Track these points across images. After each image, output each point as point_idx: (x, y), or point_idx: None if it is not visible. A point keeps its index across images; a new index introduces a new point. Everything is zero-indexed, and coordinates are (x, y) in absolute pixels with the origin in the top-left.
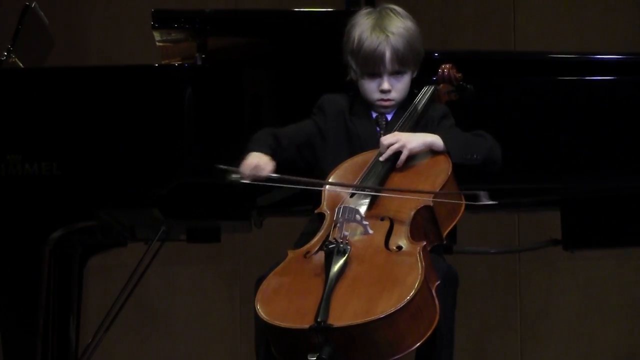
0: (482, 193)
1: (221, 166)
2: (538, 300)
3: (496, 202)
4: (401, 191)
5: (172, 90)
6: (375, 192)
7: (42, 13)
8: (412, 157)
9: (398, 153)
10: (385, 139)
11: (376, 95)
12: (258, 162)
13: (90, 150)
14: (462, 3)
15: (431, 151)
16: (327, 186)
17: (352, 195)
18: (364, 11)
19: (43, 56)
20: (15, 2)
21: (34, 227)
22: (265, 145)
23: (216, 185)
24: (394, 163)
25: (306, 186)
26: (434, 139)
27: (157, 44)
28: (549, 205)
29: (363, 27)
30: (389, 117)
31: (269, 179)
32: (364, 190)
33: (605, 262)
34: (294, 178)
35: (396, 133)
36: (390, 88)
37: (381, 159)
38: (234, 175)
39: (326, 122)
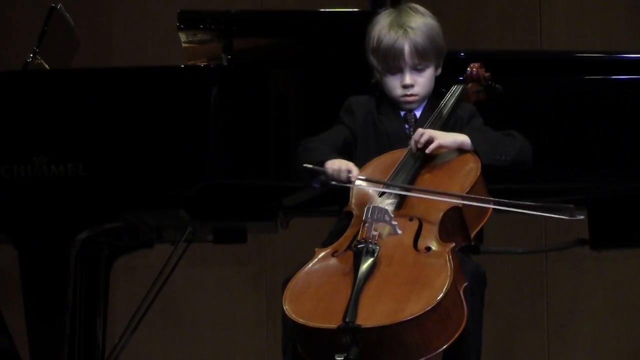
0: (571, 207)
1: (309, 165)
2: (565, 301)
3: (582, 218)
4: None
5: (198, 91)
6: (434, 194)
7: (68, 14)
8: (441, 156)
9: (428, 154)
10: (417, 133)
11: (399, 92)
12: (347, 166)
13: (116, 151)
14: (487, 3)
15: (460, 151)
16: (357, 183)
17: (380, 194)
18: (384, 11)
19: (69, 57)
20: (40, 3)
21: (60, 229)
22: (334, 154)
23: (242, 186)
24: (423, 163)
25: (391, 190)
26: (464, 139)
27: (183, 45)
28: (575, 205)
29: (382, 24)
30: (418, 114)
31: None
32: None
33: (632, 262)
34: (381, 181)
35: (428, 130)
36: (412, 83)
37: (413, 149)
38: (322, 177)
39: (355, 122)
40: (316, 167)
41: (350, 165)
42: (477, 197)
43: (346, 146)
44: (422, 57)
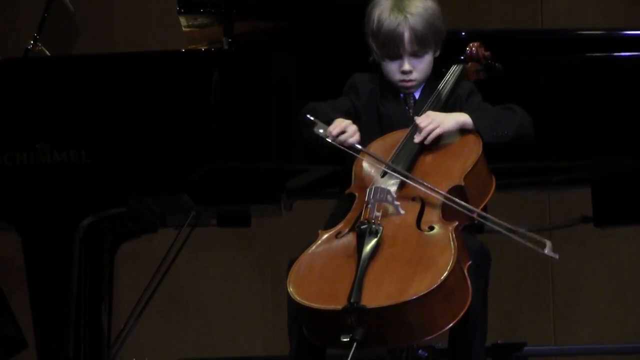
0: (547, 243)
1: (311, 117)
2: (570, 280)
3: (557, 257)
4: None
5: (200, 75)
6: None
7: (68, 1)
8: (443, 136)
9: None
10: (420, 121)
11: (398, 77)
12: (347, 128)
13: (118, 137)
14: None
15: (461, 131)
16: (364, 162)
17: (383, 175)
18: None
19: (70, 44)
20: None
21: (64, 215)
22: (343, 114)
23: (245, 170)
24: (424, 143)
25: (386, 168)
26: (466, 119)
27: (183, 29)
28: (579, 182)
29: (382, 8)
30: (417, 95)
31: (351, 148)
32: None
33: (636, 239)
34: (376, 156)
35: (430, 113)
36: (411, 69)
37: (416, 140)
38: (320, 130)
39: (360, 100)
40: (317, 121)
41: (347, 126)
42: (463, 204)
43: (348, 118)
44: (421, 44)
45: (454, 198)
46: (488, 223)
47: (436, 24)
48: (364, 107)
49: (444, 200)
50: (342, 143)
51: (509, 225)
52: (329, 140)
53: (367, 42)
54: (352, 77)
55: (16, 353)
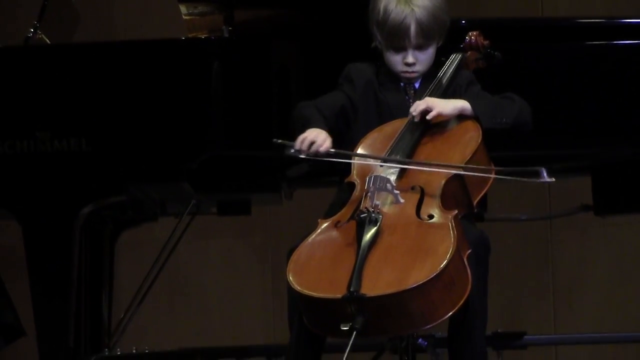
0: (542, 170)
1: (278, 140)
2: (570, 268)
3: (554, 180)
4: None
5: (200, 63)
6: (427, 167)
7: None
8: (442, 124)
9: (428, 122)
10: (415, 104)
11: (400, 68)
12: (316, 137)
13: (119, 125)
14: None
15: (460, 118)
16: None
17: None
18: None
19: (69, 32)
20: None
21: (64, 203)
22: (320, 120)
23: (246, 158)
24: (423, 132)
25: (365, 161)
26: (464, 104)
27: (184, 17)
28: (579, 171)
29: None
30: (417, 85)
31: (327, 155)
32: (426, 167)
33: (637, 227)
34: (351, 153)
35: (427, 98)
36: (414, 61)
37: (416, 119)
38: (292, 150)
39: (355, 91)
40: (285, 142)
41: (316, 136)
42: (469, 167)
43: (344, 113)
44: (426, 37)
45: (462, 165)
46: (470, 173)
47: (441, 16)
48: (361, 98)
49: (454, 171)
50: (316, 154)
51: (497, 169)
52: (304, 157)
53: (371, 30)
54: (347, 68)
55: (14, 341)
